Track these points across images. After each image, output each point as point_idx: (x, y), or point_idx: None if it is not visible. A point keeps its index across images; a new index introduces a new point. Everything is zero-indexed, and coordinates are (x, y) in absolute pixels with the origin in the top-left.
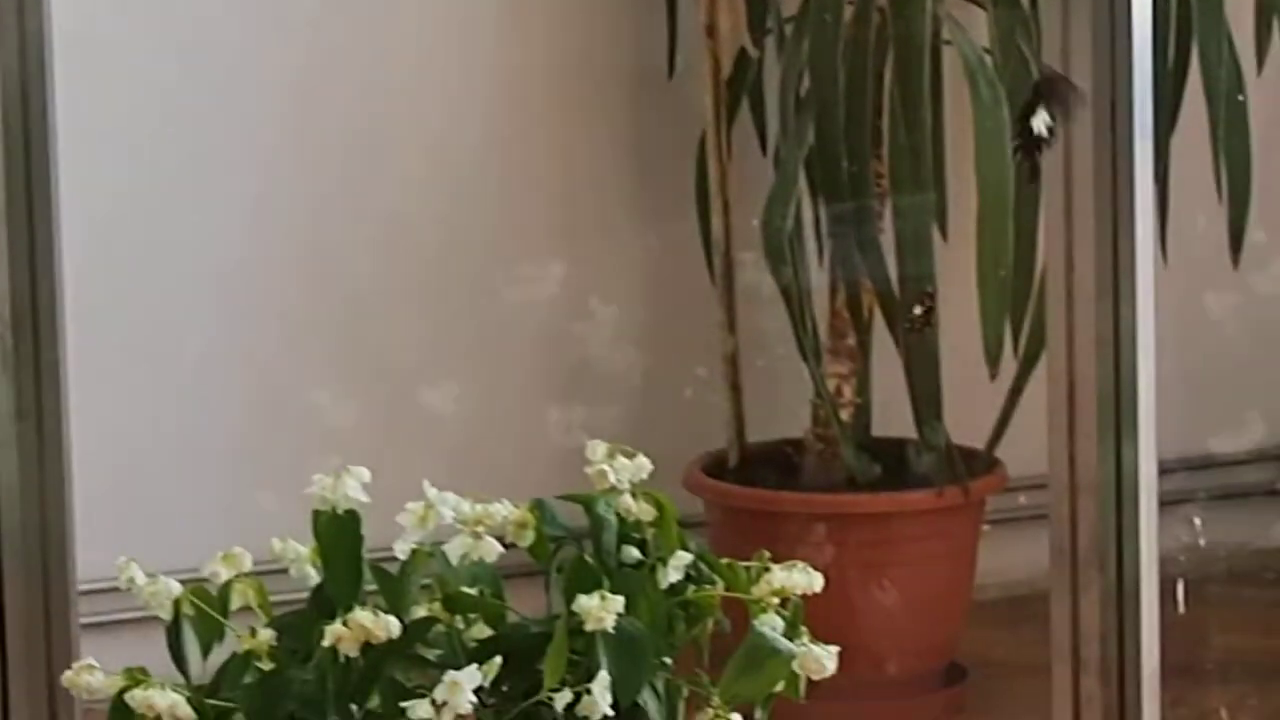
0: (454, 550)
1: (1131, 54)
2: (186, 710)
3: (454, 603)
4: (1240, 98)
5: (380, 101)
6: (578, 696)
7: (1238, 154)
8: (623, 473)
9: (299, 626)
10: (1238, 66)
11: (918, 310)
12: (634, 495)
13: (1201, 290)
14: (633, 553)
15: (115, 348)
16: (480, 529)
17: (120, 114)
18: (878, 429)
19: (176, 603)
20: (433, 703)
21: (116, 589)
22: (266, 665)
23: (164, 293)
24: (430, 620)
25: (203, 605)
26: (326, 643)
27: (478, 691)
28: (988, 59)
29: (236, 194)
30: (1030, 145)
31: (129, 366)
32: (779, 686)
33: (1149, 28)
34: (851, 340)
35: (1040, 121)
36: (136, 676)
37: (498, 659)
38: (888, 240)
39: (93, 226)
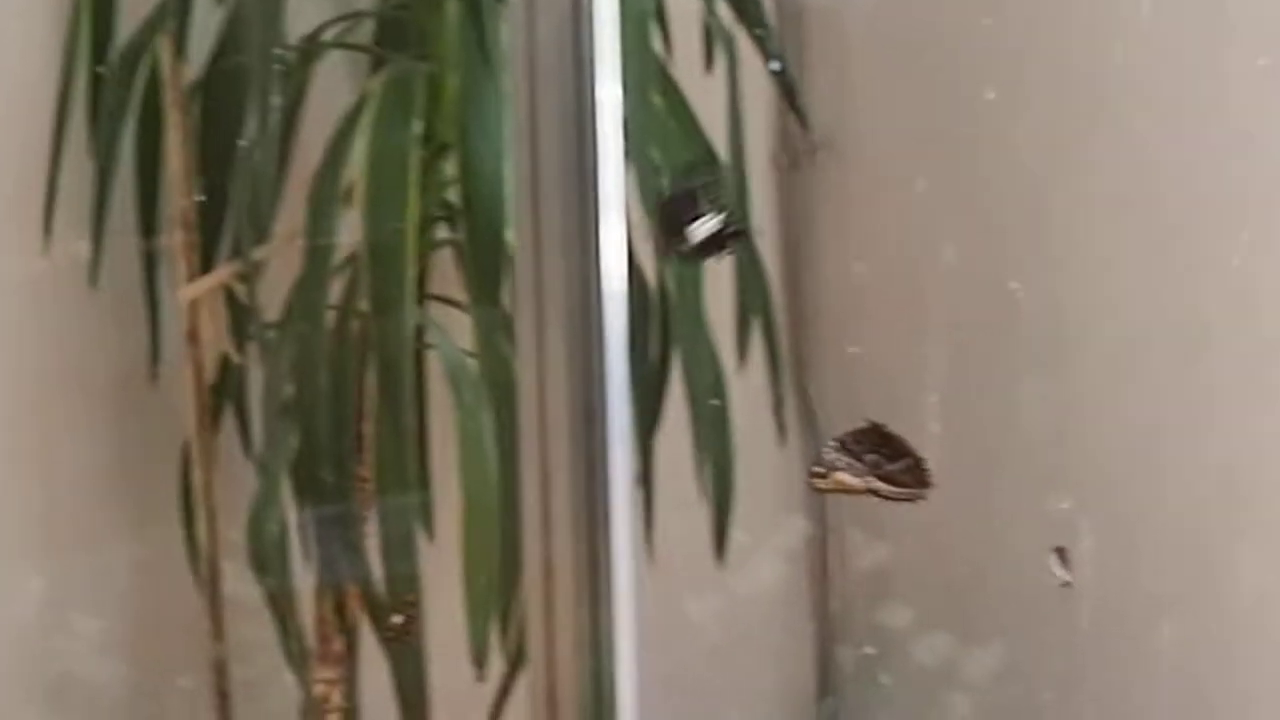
0: None
1: (606, 356)
2: None
3: None
4: (720, 400)
5: None
6: None
7: (719, 453)
8: None
9: None
10: (718, 368)
11: (398, 619)
12: None
13: (685, 591)
14: None
15: None
16: None
17: None
18: None
19: None
20: None
21: None
22: None
23: None
24: None
25: None
26: None
27: None
28: (470, 362)
29: None
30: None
31: None
32: None
33: (624, 329)
34: (339, 645)
35: (702, 229)
36: None
37: None
38: (374, 541)
39: None
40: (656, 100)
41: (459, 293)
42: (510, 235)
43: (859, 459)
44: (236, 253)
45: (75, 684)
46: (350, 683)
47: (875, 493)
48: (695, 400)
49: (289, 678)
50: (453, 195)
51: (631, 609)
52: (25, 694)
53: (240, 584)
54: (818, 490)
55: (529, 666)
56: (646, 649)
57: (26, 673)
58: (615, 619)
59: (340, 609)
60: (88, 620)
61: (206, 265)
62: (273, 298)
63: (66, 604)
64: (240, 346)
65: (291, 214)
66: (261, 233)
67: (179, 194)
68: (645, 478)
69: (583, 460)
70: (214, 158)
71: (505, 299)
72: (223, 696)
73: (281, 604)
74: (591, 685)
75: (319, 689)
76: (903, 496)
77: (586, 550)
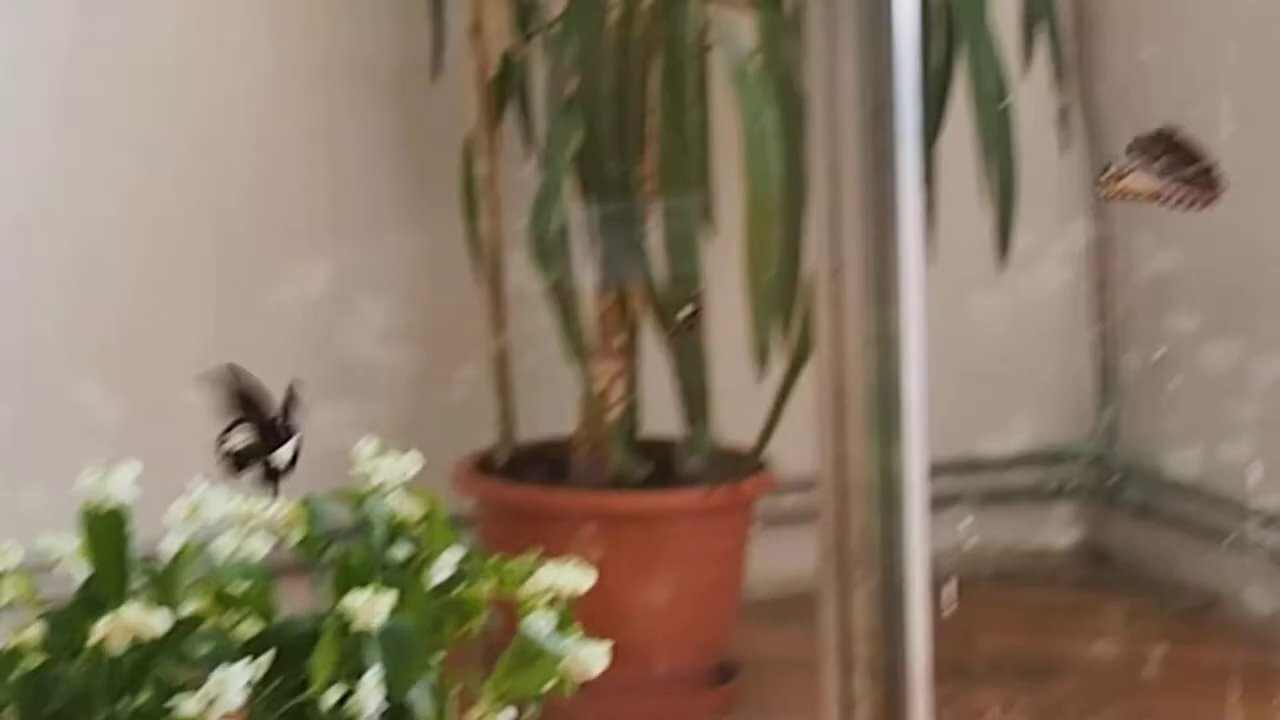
0: (223, 547)
1: (896, 56)
2: None
3: (223, 599)
4: (1006, 101)
5: (142, 100)
6: (348, 693)
7: (1004, 156)
8: (391, 471)
9: (68, 622)
10: (1003, 69)
11: (684, 313)
12: (403, 493)
13: (969, 292)
14: (401, 550)
15: None
16: (249, 526)
17: None
18: (649, 428)
19: None
20: (202, 698)
21: None
22: (35, 660)
23: None
24: (199, 617)
25: None
26: (95, 639)
27: (247, 687)
28: (754, 61)
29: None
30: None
31: None
32: (549, 684)
33: (914, 30)
34: (620, 340)
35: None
36: None
37: (267, 655)
38: (657, 239)
39: None
40: None
41: None
42: None
43: (1149, 164)
44: None
45: (361, 368)
46: (631, 378)
47: (1165, 198)
48: (980, 104)
49: (570, 371)
50: None
51: (919, 306)
52: (314, 375)
53: (522, 276)
54: (1105, 197)
55: (817, 362)
56: (933, 347)
57: (315, 354)
58: (903, 316)
59: (622, 305)
60: (373, 306)
61: None
62: None
63: (353, 290)
64: (524, 40)
65: None
66: None
67: None
68: (928, 180)
69: (871, 157)
70: None
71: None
72: (504, 387)
73: (563, 298)
74: (878, 382)
75: (600, 383)
76: (1193, 202)
77: (875, 246)
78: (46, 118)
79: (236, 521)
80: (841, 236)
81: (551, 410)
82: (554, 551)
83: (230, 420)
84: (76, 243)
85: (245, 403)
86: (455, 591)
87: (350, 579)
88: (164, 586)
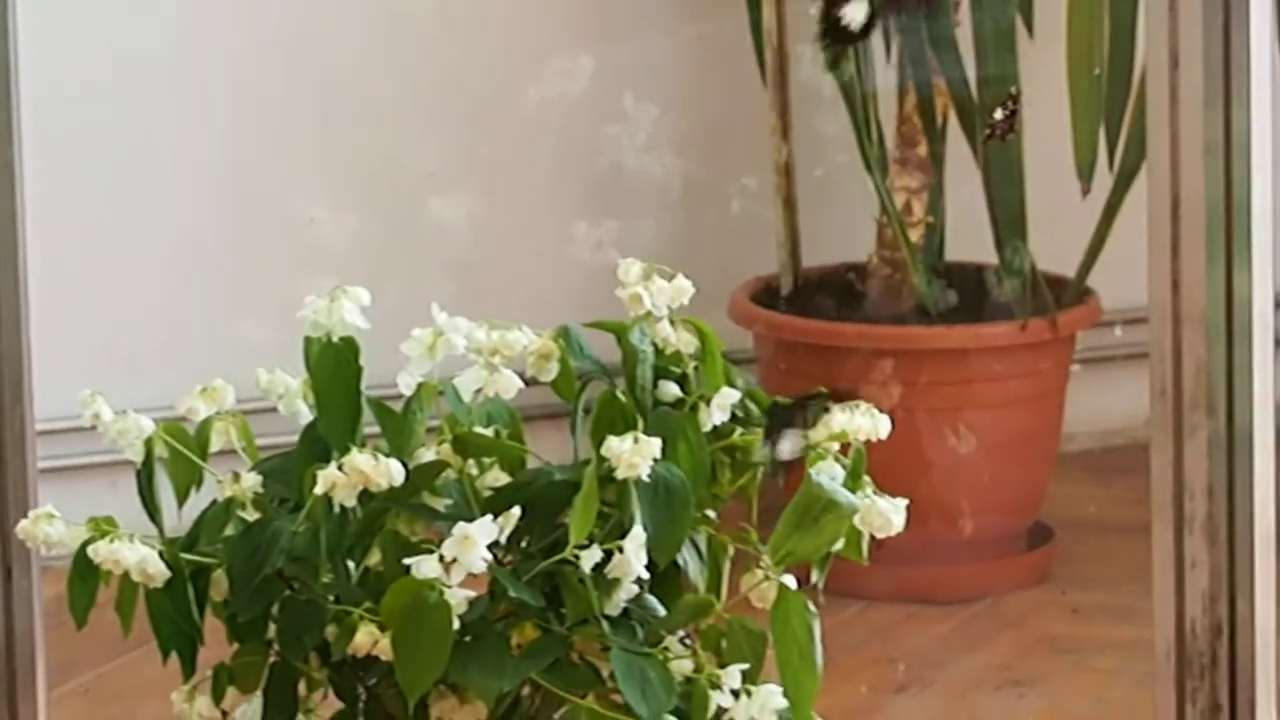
0: (466, 384)
1: None
2: (158, 565)
3: (466, 445)
4: None
5: None
6: (608, 555)
7: None
8: (660, 297)
9: (288, 471)
10: None
11: (999, 114)
12: (673, 323)
13: None
14: (671, 389)
15: (77, 150)
16: (497, 360)
17: None
18: (952, 252)
19: (148, 443)
20: (440, 559)
21: (80, 428)
22: (251, 515)
23: (132, 87)
24: (438, 465)
25: (178, 446)
26: (319, 490)
27: (492, 547)
28: None
29: None
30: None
31: (92, 171)
32: (838, 545)
33: None
34: (923, 149)
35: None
36: (102, 527)
37: (516, 510)
38: (965, 34)
39: (51, 8)
40: None
41: None
42: None
43: None
44: None
45: (626, 177)
46: (935, 193)
47: None
48: None
49: (865, 183)
50: None
51: (1268, 106)
52: (572, 185)
53: (811, 74)
54: None
55: (1150, 174)
56: None
57: (573, 161)
58: (1251, 118)
59: (926, 108)
60: (640, 107)
61: None
62: None
63: (617, 88)
64: None
65: None
66: None
67: None
68: None
69: None
70: None
71: None
72: (789, 203)
73: (858, 98)
74: (1221, 195)
75: (898, 197)
76: None
77: (1221, 39)
78: None
79: (482, 355)
80: (1179, 25)
81: (843, 231)
82: (845, 393)
83: None
84: (293, 34)
85: None
86: (732, 437)
87: (612, 422)
88: (398, 430)
